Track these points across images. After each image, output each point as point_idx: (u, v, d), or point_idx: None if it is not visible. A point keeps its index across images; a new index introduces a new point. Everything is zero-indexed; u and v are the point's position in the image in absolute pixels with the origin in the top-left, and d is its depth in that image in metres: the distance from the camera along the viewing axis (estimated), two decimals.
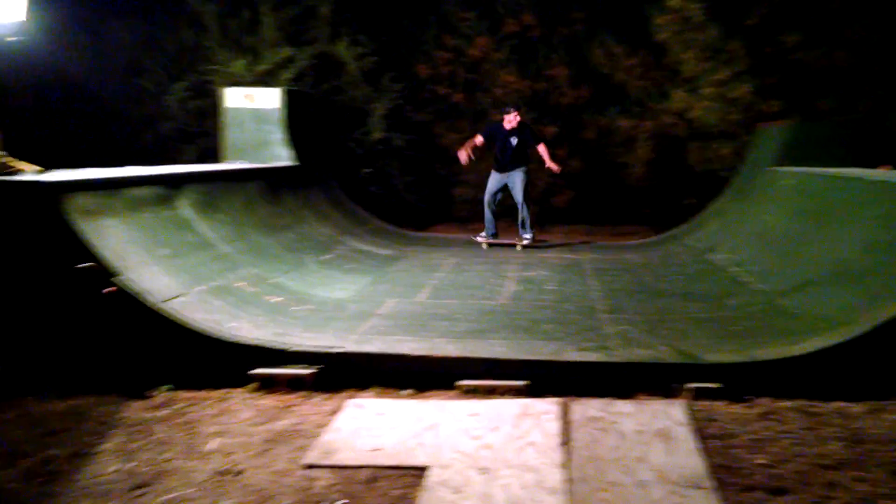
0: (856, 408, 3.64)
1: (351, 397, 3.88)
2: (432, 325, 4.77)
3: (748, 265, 6.40)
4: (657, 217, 10.40)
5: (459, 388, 3.87)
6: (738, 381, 3.81)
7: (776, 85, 9.75)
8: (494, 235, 8.64)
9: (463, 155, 8.44)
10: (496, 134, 8.41)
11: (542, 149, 8.37)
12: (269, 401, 3.87)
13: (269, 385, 3.99)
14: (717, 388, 3.76)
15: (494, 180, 8.54)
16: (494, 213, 8.65)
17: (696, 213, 9.40)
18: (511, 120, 8.26)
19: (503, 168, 8.43)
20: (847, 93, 9.52)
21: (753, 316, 4.99)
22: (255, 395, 3.95)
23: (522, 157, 8.42)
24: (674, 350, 4.18)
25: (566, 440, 3.27)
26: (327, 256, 6.96)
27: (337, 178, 9.55)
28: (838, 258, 5.29)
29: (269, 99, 8.70)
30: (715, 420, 3.52)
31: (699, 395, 3.75)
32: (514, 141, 8.29)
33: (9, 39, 4.76)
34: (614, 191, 10.93)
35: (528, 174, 8.48)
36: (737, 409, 3.66)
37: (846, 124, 8.66)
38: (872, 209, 5.35)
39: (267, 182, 7.47)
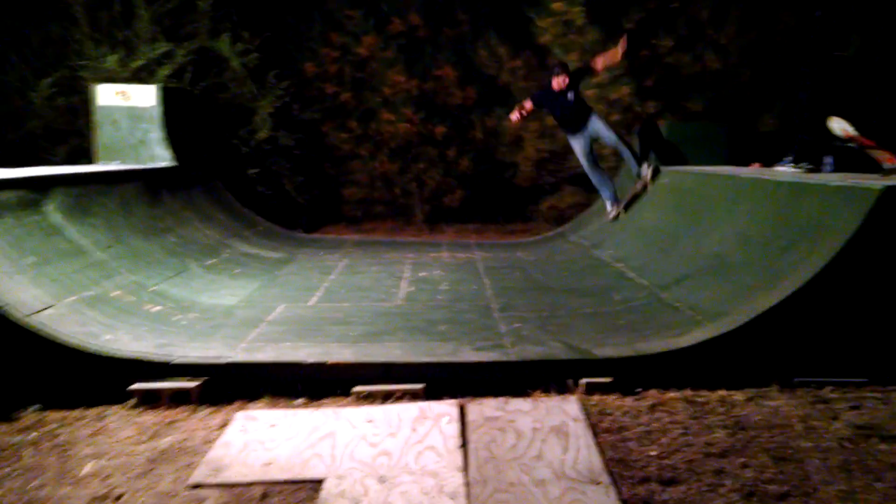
0: (738, 395, 3.83)
1: (240, 409, 3.70)
2: (326, 330, 4.64)
3: (631, 260, 6.63)
4: (545, 215, 10.64)
5: (355, 394, 3.78)
6: (629, 375, 3.91)
7: (653, 87, 10.20)
8: (616, 199, 8.21)
9: (514, 115, 8.11)
10: (547, 99, 8.06)
11: (598, 60, 8.08)
12: (151, 417, 3.64)
13: (151, 400, 3.76)
14: (609, 382, 3.86)
15: (578, 144, 8.16)
16: (603, 171, 8.36)
17: (581, 211, 9.69)
18: (560, 82, 7.87)
19: (575, 129, 8.09)
20: (717, 95, 10.08)
21: (638, 310, 5.16)
22: (135, 411, 3.70)
23: (585, 107, 8.13)
24: (566, 346, 4.25)
25: (465, 442, 3.25)
26: (213, 260, 6.66)
27: (222, 179, 9.17)
28: (713, 252, 5.55)
29: (145, 96, 8.23)
30: (608, 414, 3.60)
31: (592, 389, 3.84)
32: (570, 97, 7.93)
33: None
34: (504, 190, 11.09)
35: (599, 115, 8.18)
36: (628, 402, 3.76)
37: (717, 125, 9.15)
38: (743, 205, 5.66)
39: (145, 184, 7.07)
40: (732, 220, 5.70)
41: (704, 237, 5.92)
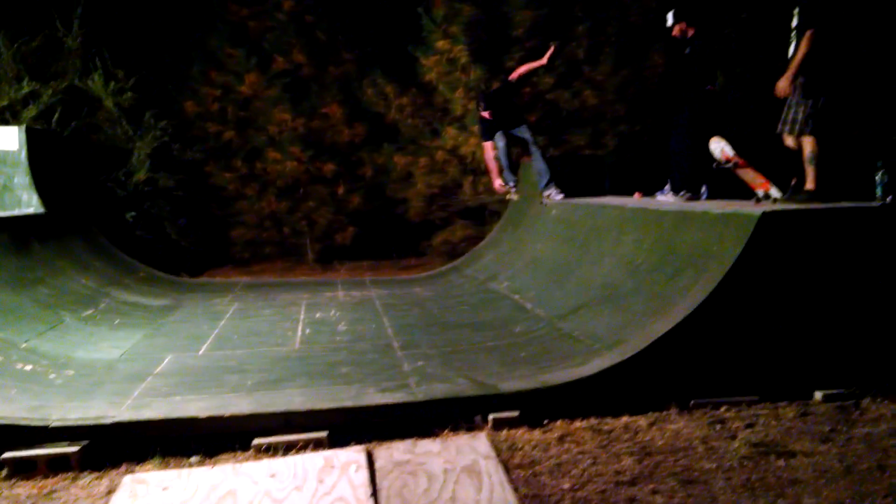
0: (641, 420, 3.89)
1: (128, 473, 3.40)
2: (219, 380, 4.39)
3: (526, 292, 6.72)
4: (438, 250, 10.69)
5: (255, 447, 3.56)
6: (535, 407, 3.91)
7: (537, 122, 10.52)
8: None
9: (497, 182, 8.82)
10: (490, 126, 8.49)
11: (521, 69, 8.48)
12: (26, 489, 3.28)
13: (26, 469, 3.40)
14: (516, 417, 3.83)
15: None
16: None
17: (474, 245, 9.79)
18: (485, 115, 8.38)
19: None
20: (596, 129, 10.53)
21: (538, 340, 5.21)
22: (6, 484, 3.33)
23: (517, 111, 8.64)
24: (471, 381, 4.21)
25: (375, 490, 3.12)
26: (90, 311, 6.22)
27: (97, 224, 8.64)
28: (605, 282, 5.71)
29: (8, 139, 7.68)
30: (518, 448, 3.56)
31: (500, 425, 3.80)
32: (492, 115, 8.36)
33: None
34: (395, 226, 11.08)
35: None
36: (536, 435, 3.74)
37: (598, 157, 9.53)
38: (631, 234, 5.87)
39: (10, 233, 6.53)
40: (621, 249, 5.89)
41: (595, 266, 6.09)
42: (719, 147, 6.35)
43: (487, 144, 8.60)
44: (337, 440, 3.61)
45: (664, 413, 3.99)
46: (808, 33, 5.28)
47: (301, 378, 4.42)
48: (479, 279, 8.06)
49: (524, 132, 8.50)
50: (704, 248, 4.70)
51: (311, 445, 3.57)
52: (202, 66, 10.62)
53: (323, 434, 3.62)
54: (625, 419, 3.93)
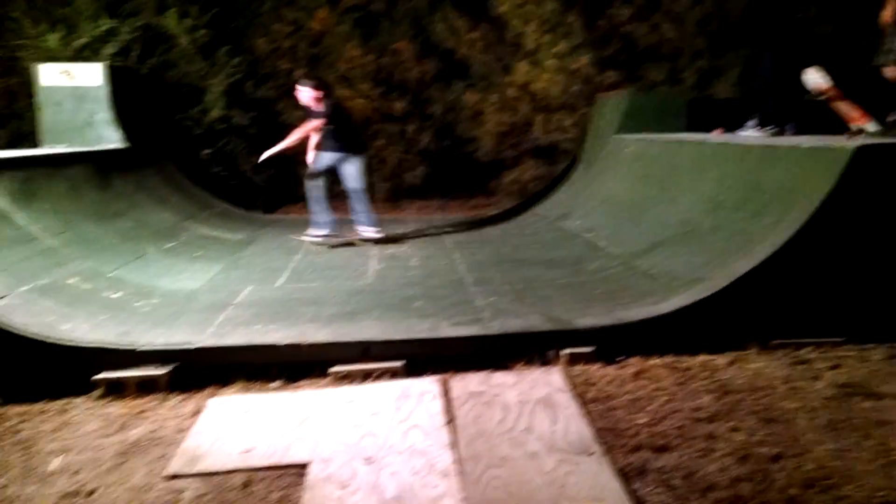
0: (719, 360, 3.80)
1: (213, 396, 3.54)
2: (297, 311, 4.48)
3: (600, 230, 6.59)
4: (508, 189, 10.56)
5: (333, 374, 3.64)
6: (610, 343, 3.86)
7: (612, 57, 10.15)
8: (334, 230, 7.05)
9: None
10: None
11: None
12: (118, 408, 3.45)
13: (117, 390, 3.57)
14: (591, 352, 3.80)
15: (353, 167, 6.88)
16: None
17: (545, 184, 9.63)
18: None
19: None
20: (675, 64, 10.09)
21: (613, 278, 5.11)
22: (100, 402, 3.51)
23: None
24: (545, 317, 4.17)
25: (450, 418, 3.15)
26: (171, 244, 6.42)
27: (174, 160, 8.85)
28: (684, 220, 5.53)
29: (91, 75, 7.86)
30: (593, 384, 3.54)
31: (574, 360, 3.77)
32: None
33: None
34: (465, 164, 10.96)
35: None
36: (611, 370, 3.71)
37: (676, 93, 9.15)
38: (713, 171, 5.65)
39: (94, 166, 6.75)
40: (701, 186, 5.68)
41: (673, 204, 5.89)
42: (814, 78, 5.97)
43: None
44: (412, 370, 3.66)
45: (744, 353, 3.89)
46: None
47: (376, 310, 4.47)
48: (551, 217, 7.94)
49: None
50: (792, 184, 4.47)
51: (387, 375, 3.63)
52: (274, 2, 10.58)
53: (399, 364, 3.67)
54: (702, 357, 3.84)
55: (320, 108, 6.65)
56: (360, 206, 6.95)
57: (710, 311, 4.00)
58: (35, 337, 3.63)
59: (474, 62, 10.77)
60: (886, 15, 5.13)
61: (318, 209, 6.94)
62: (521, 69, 10.29)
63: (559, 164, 10.09)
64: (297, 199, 10.75)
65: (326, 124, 6.67)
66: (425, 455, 2.83)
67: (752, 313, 4.05)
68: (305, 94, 6.75)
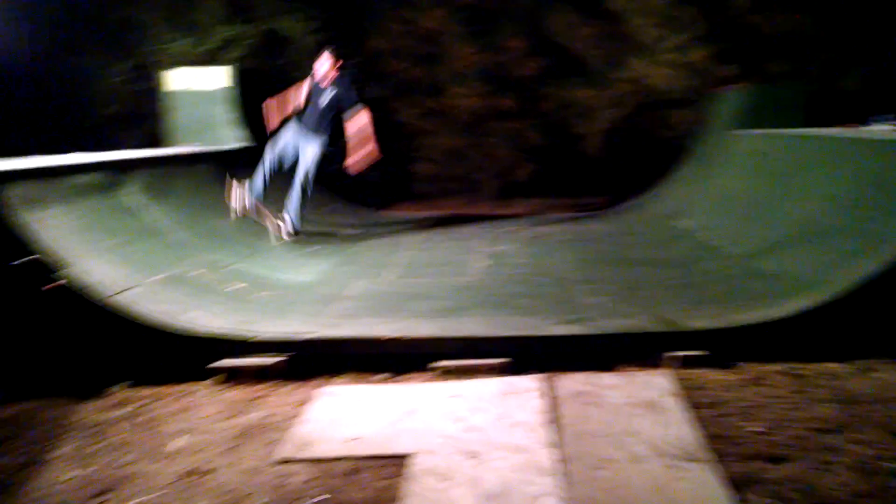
0: (843, 368, 3.57)
1: (323, 385, 3.67)
2: (405, 305, 4.57)
3: (715, 230, 6.34)
4: (619, 186, 10.33)
5: (437, 369, 3.69)
6: (723, 347, 3.70)
7: (730, 49, 9.72)
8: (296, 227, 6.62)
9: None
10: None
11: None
12: (236, 394, 3.63)
13: (235, 377, 3.76)
14: (703, 356, 3.66)
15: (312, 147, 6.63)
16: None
17: (658, 182, 9.36)
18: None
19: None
20: (798, 56, 9.54)
21: (728, 279, 4.91)
22: (219, 388, 3.70)
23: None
24: (654, 318, 4.05)
25: (554, 417, 3.12)
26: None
27: None
28: (807, 219, 5.24)
29: (217, 78, 8.33)
30: (703, 388, 3.41)
31: (686, 363, 3.64)
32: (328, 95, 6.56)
33: None
34: (575, 162, 10.81)
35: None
36: (724, 375, 3.56)
37: (799, 87, 8.65)
38: (840, 167, 5.31)
39: (220, 164, 7.13)
40: (827, 183, 5.35)
41: (795, 202, 5.59)
42: None
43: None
44: (517, 368, 3.65)
45: (872, 362, 3.63)
46: None
47: (482, 307, 4.49)
48: (663, 216, 7.71)
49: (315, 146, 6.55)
50: None
51: (491, 371, 3.64)
52: (389, 2, 10.81)
53: (503, 361, 3.67)
54: (825, 365, 3.61)
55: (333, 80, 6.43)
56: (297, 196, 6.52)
57: (834, 316, 3.77)
58: (160, 325, 3.87)
59: (587, 58, 10.60)
60: None
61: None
62: (635, 64, 10.04)
63: (672, 160, 9.77)
64: (409, 195, 10.98)
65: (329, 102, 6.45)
66: (527, 452, 2.82)
67: (882, 319, 3.77)
68: (326, 64, 6.46)
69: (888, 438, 2.84)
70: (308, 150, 6.57)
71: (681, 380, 3.48)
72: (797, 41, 9.50)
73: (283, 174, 6.65)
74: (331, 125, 6.64)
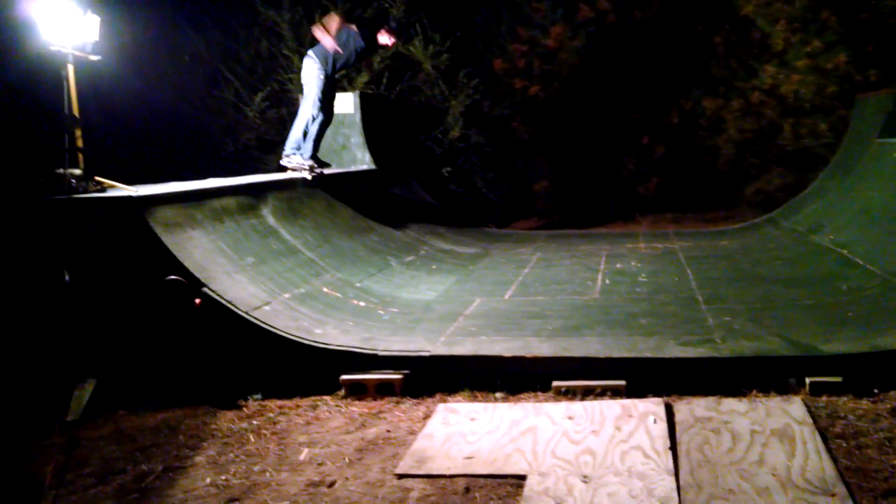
0: None
1: (442, 402, 3.76)
2: (522, 324, 4.59)
3: (857, 245, 5.94)
4: (750, 200, 9.88)
5: (555, 389, 3.69)
6: (863, 374, 3.47)
7: (874, 53, 9.09)
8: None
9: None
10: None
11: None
12: (359, 407, 3.79)
13: (358, 391, 3.93)
14: (839, 382, 3.44)
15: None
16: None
17: (793, 194, 8.87)
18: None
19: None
20: None
21: (869, 300, 4.60)
22: (344, 401, 3.88)
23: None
24: (785, 341, 3.86)
25: (674, 443, 3.04)
26: (412, 258, 6.88)
27: (417, 178, 9.49)
28: None
29: (346, 103, 8.71)
30: (840, 417, 3.21)
31: (819, 390, 3.45)
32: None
33: (86, 58, 4.84)
34: (702, 175, 10.45)
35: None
36: (863, 404, 3.33)
37: None
38: None
39: (349, 186, 7.45)
40: None
41: None
42: None
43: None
44: (634, 390, 3.59)
45: None
46: None
47: (600, 326, 4.44)
48: (799, 231, 7.31)
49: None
50: None
51: (608, 392, 3.60)
52: (510, 23, 10.93)
53: (621, 382, 3.62)
54: None
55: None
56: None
57: None
58: (293, 339, 4.10)
59: (714, 67, 10.25)
60: None
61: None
62: (768, 71, 9.61)
63: (811, 172, 9.24)
64: (529, 213, 11.00)
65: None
66: (645, 478, 2.76)
67: None
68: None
69: None
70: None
71: (813, 408, 3.30)
72: None
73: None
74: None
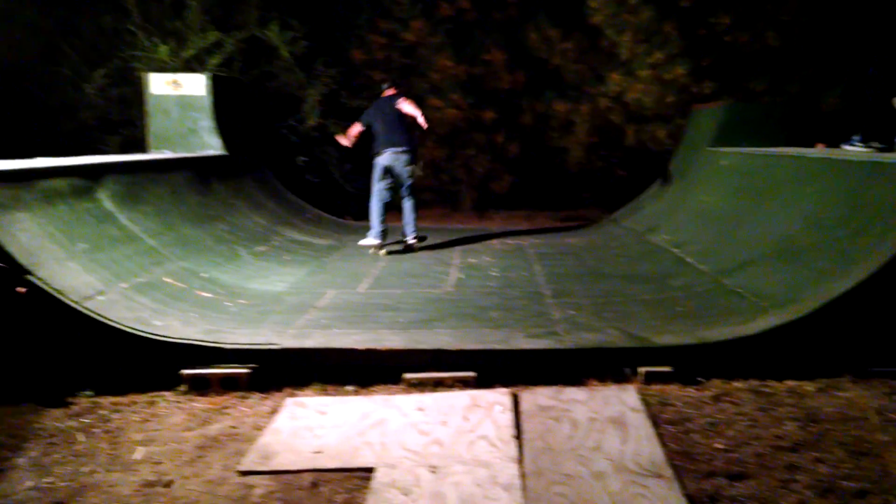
0: (808, 386, 3.62)
1: (290, 396, 3.65)
2: (375, 317, 4.56)
3: (689, 245, 6.39)
4: (596, 200, 10.40)
5: (406, 381, 3.69)
6: (690, 364, 3.73)
7: (710, 67, 9.85)
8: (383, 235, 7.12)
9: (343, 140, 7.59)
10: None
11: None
12: (201, 403, 3.61)
13: (201, 386, 3.73)
14: (670, 372, 3.68)
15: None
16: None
17: (634, 196, 9.43)
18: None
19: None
20: (777, 74, 9.68)
21: (699, 296, 4.95)
22: (185, 397, 3.68)
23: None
24: (623, 333, 4.08)
25: (519, 432, 3.12)
26: (263, 248, 6.66)
27: (271, 167, 9.19)
28: (780, 236, 5.29)
29: (196, 85, 8.27)
30: (669, 404, 3.43)
31: (651, 379, 3.67)
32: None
33: None
34: (553, 175, 10.87)
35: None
36: (690, 392, 3.58)
37: (778, 105, 8.77)
38: (813, 187, 5.38)
39: (195, 172, 7.09)
40: (800, 202, 5.42)
41: (769, 221, 5.65)
42: None
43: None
44: (483, 381, 3.66)
45: (836, 380, 3.68)
46: None
47: (452, 319, 4.49)
48: (638, 231, 7.77)
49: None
50: None
51: (458, 384, 3.64)
52: (370, 15, 10.84)
53: (470, 374, 3.67)
54: (790, 383, 3.66)
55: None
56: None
57: (801, 334, 3.81)
58: (129, 330, 3.83)
59: (566, 72, 10.69)
60: None
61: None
62: (614, 79, 10.14)
63: (650, 176, 9.86)
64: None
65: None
66: (490, 467, 2.82)
67: (848, 338, 3.82)
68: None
69: (849, 458, 2.87)
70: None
71: (646, 396, 3.50)
72: (777, 59, 9.64)
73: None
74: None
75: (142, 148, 8.34)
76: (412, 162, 7.22)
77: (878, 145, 5.84)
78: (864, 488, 2.62)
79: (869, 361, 3.75)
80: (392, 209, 7.30)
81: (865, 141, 6.04)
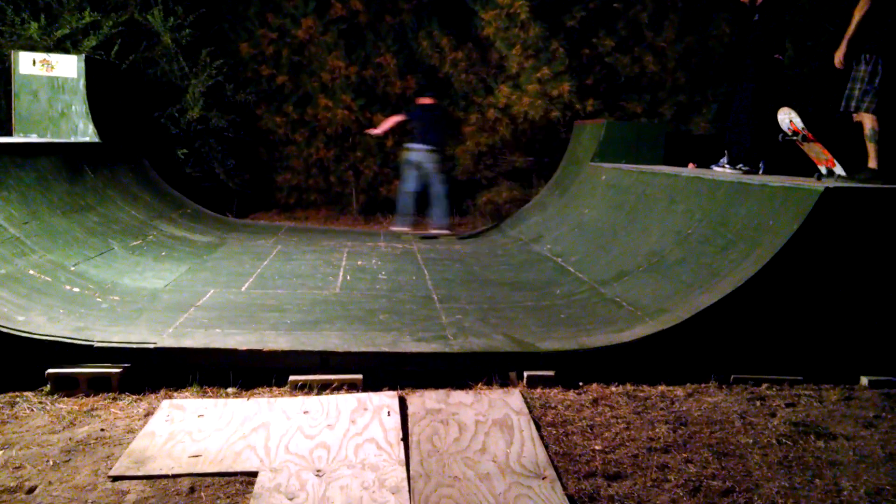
0: (678, 391, 3.84)
1: (167, 398, 3.49)
2: (259, 317, 4.43)
3: (570, 255, 6.63)
4: (482, 209, 10.59)
5: (291, 383, 3.61)
6: (571, 369, 3.88)
7: (593, 85, 10.27)
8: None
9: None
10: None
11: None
12: (67, 404, 3.38)
13: (68, 386, 3.50)
14: (552, 376, 3.81)
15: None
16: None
17: (518, 206, 9.68)
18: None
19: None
20: (654, 97, 10.24)
21: (579, 304, 5.14)
22: (49, 398, 3.44)
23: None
24: (508, 338, 4.17)
25: (406, 435, 3.13)
26: (137, 242, 6.33)
27: (149, 158, 8.74)
28: (652, 250, 5.59)
29: (69, 67, 7.75)
30: (551, 407, 3.54)
31: (534, 383, 3.78)
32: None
33: None
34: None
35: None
36: (571, 395, 3.72)
37: (654, 126, 9.28)
38: (683, 204, 5.72)
39: (65, 158, 6.64)
40: (671, 218, 5.75)
41: (643, 234, 5.96)
42: (788, 118, 6.10)
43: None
44: (371, 384, 3.64)
45: (703, 386, 3.93)
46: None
47: (339, 321, 4.43)
48: (523, 240, 7.98)
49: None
50: (759, 221, 4.56)
51: (345, 387, 3.61)
52: (259, 8, 10.55)
53: (358, 377, 3.65)
54: (662, 388, 3.88)
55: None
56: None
57: (671, 342, 4.04)
58: None
59: (457, 81, 10.83)
60: (836, 57, 5.32)
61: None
62: (503, 91, 10.37)
63: (535, 187, 10.18)
64: (270, 205, 10.72)
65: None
66: (377, 470, 2.80)
67: (713, 347, 4.09)
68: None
69: (714, 459, 3.06)
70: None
71: (530, 399, 3.60)
72: (654, 83, 10.19)
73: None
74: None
75: (7, 130, 7.74)
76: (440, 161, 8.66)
77: (744, 168, 6.30)
78: (729, 487, 2.80)
79: (732, 369, 4.03)
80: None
81: (732, 162, 6.50)
